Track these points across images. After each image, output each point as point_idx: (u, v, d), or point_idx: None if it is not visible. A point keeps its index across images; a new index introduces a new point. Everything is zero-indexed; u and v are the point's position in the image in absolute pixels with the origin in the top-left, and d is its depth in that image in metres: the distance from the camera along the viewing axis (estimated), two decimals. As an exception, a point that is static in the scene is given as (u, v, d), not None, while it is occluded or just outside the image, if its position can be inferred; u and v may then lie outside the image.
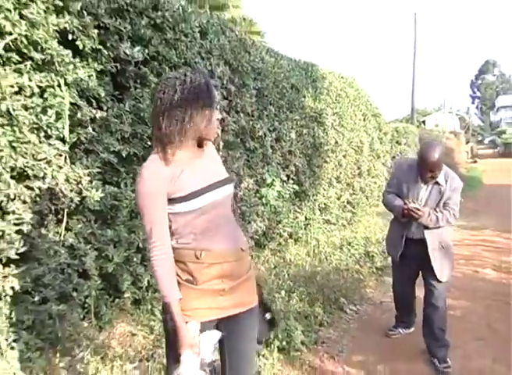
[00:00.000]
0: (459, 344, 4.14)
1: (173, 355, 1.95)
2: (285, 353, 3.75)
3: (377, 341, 4.19)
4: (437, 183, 3.77)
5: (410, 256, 3.96)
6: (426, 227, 3.82)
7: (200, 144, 2.05)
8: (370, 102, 11.25)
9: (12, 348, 2.95)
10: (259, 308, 2.42)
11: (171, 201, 1.94)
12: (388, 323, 4.55)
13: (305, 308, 4.57)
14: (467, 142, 45.62)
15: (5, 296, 2.90)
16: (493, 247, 8.38)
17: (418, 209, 3.70)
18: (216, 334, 2.07)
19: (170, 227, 1.99)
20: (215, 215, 2.02)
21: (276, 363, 3.57)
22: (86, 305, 3.57)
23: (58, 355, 3.27)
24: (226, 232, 2.08)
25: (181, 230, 1.99)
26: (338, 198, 8.75)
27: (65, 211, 3.37)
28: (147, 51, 3.81)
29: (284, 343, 3.77)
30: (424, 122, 52.23)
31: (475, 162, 37.71)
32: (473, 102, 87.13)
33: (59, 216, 3.39)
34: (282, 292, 4.81)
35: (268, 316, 2.41)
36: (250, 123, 5.46)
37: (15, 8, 2.82)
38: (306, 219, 7.41)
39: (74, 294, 3.43)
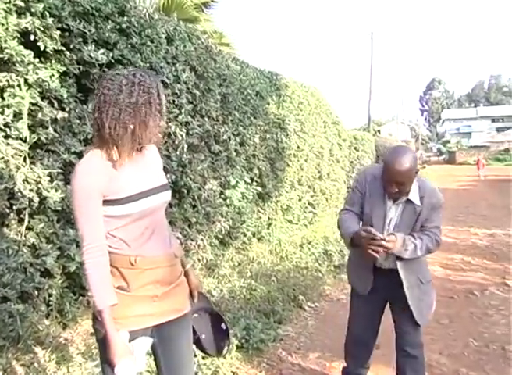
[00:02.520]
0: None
1: (108, 367, 1.72)
2: (244, 351, 3.55)
3: (333, 337, 4.02)
4: (409, 200, 2.60)
5: (377, 290, 2.78)
6: (398, 257, 2.63)
7: (140, 148, 1.83)
8: (330, 111, 11.18)
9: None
10: (210, 317, 2.24)
11: (105, 202, 1.72)
12: (344, 319, 4.38)
13: (265, 305, 4.39)
14: (417, 149, 46.43)
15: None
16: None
17: (384, 240, 2.47)
18: (147, 341, 1.85)
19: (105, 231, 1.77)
20: (151, 221, 1.82)
21: (235, 361, 3.37)
22: (50, 303, 3.34)
23: (19, 353, 3.04)
24: (160, 238, 1.87)
25: (115, 234, 1.77)
26: (300, 200, 8.64)
27: (27, 210, 3.12)
28: (111, 54, 3.58)
29: (243, 341, 3.58)
30: (379, 131, 52.92)
31: (424, 167, 38.39)
32: (422, 115, 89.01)
33: (21, 216, 3.15)
34: (244, 290, 4.62)
35: (223, 325, 2.21)
36: (215, 127, 5.27)
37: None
38: (269, 219, 7.27)
39: (36, 292, 3.19)
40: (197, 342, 2.15)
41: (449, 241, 8.70)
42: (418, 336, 2.81)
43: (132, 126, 1.70)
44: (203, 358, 3.20)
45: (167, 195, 1.89)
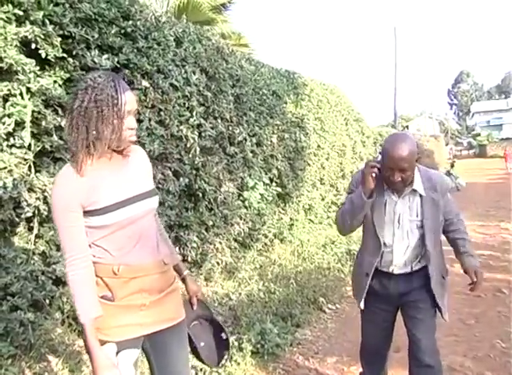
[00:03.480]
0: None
1: None
2: (259, 357, 3.46)
3: (353, 339, 3.89)
4: (414, 191, 2.43)
5: (387, 297, 2.60)
6: (425, 257, 2.52)
7: (120, 153, 1.76)
8: (352, 108, 11.01)
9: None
10: (211, 326, 2.15)
11: (86, 213, 1.66)
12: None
13: (283, 309, 4.29)
14: (447, 144, 45.58)
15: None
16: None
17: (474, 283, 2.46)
18: (133, 353, 1.77)
19: (88, 241, 1.71)
20: (135, 230, 1.75)
21: (249, 367, 3.29)
22: (64, 311, 3.32)
23: (32, 361, 3.02)
24: (147, 245, 1.80)
25: (98, 244, 1.72)
26: (322, 199, 8.50)
27: (36, 219, 3.10)
28: (117, 59, 3.53)
29: (259, 346, 3.49)
30: (407, 126, 52.20)
31: (454, 162, 37.60)
32: (451, 109, 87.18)
33: (31, 224, 3.13)
34: (262, 293, 4.54)
35: (223, 335, 2.12)
36: (230, 128, 5.19)
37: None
38: (291, 219, 7.16)
39: (47, 301, 3.18)
40: (194, 351, 2.07)
41: (478, 237, 8.45)
42: (433, 342, 2.59)
43: (85, 131, 1.63)
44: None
45: (152, 202, 1.82)
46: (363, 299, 2.65)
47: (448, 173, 17.66)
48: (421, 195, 2.43)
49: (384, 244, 2.50)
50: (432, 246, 2.47)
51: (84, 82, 1.66)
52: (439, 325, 4.20)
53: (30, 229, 3.14)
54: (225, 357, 2.12)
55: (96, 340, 1.62)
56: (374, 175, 2.33)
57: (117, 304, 1.72)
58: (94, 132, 1.63)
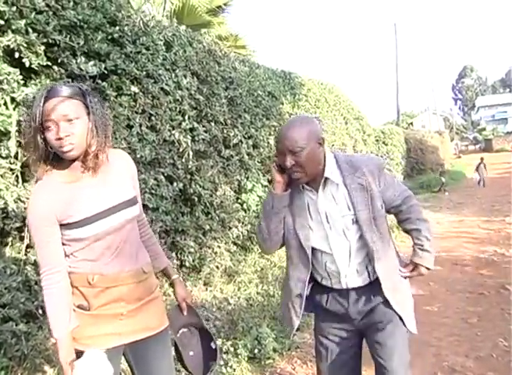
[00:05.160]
0: (432, 342, 3.82)
1: None
2: (256, 362, 3.42)
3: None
4: (327, 179, 1.95)
5: (345, 319, 2.06)
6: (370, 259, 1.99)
7: (84, 163, 1.70)
8: (352, 106, 10.97)
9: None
10: (201, 334, 2.10)
11: (62, 226, 1.64)
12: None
13: (281, 312, 4.23)
14: (452, 140, 45.33)
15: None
16: (473, 238, 8.05)
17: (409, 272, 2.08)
18: (96, 357, 1.65)
19: (65, 252, 1.68)
20: (112, 240, 1.71)
21: (246, 373, 3.25)
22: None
23: (26, 372, 2.99)
24: (125, 254, 1.76)
25: (76, 255, 1.69)
26: (323, 199, 8.43)
27: (27, 228, 3.08)
28: (104, 65, 3.51)
29: (256, 351, 3.44)
30: (411, 123, 51.94)
31: (459, 157, 37.43)
32: (455, 104, 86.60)
33: (22, 234, 3.11)
34: (260, 297, 4.49)
35: (212, 344, 2.07)
36: (224, 131, 5.16)
37: None
38: (291, 221, 7.08)
39: (40, 311, 3.15)
40: (180, 360, 2.03)
41: (482, 232, 8.39)
42: (404, 369, 2.02)
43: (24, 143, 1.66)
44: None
45: (131, 212, 1.77)
46: (295, 327, 2.13)
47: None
48: (346, 185, 1.94)
49: (321, 253, 2.01)
50: (374, 240, 1.95)
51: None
52: (441, 324, 4.21)
53: (22, 239, 3.12)
54: (213, 368, 2.07)
55: (69, 355, 1.60)
56: (276, 166, 1.95)
57: (93, 313, 1.70)
58: (25, 145, 1.65)
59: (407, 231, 2.13)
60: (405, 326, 2.01)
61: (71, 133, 1.59)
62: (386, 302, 1.98)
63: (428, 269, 2.05)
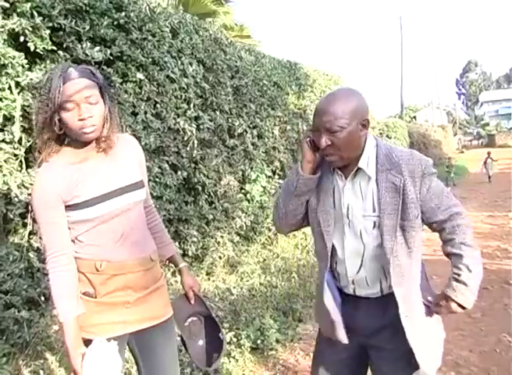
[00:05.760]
0: (436, 336, 3.78)
1: None
2: (259, 353, 3.40)
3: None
4: (359, 169, 1.67)
5: (351, 331, 1.77)
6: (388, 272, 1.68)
7: (98, 145, 1.68)
8: (356, 99, 10.87)
9: (-20, 354, 2.65)
10: (208, 322, 2.07)
11: (68, 207, 1.62)
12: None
13: (284, 303, 4.22)
14: (455, 134, 45.23)
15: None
16: (476, 232, 8.01)
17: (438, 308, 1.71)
18: (108, 346, 1.62)
19: (70, 236, 1.65)
20: (118, 224, 1.69)
21: (248, 364, 3.23)
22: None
23: (28, 359, 2.98)
24: (132, 241, 1.73)
25: (80, 239, 1.67)
26: (327, 191, 8.39)
27: (29, 215, 3.05)
28: (109, 51, 3.46)
29: (259, 341, 3.42)
30: (415, 117, 51.76)
31: (462, 152, 37.30)
32: (459, 98, 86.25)
33: (25, 220, 3.08)
34: (263, 287, 4.47)
35: (220, 335, 2.03)
36: (229, 120, 5.10)
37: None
38: (294, 212, 7.04)
39: (42, 298, 3.13)
40: (186, 349, 2.00)
41: (486, 227, 8.35)
42: None
43: (37, 127, 1.64)
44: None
45: (138, 195, 1.74)
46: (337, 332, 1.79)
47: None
48: (377, 181, 1.65)
49: (333, 247, 1.75)
50: (396, 254, 1.65)
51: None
52: (445, 319, 4.17)
53: (24, 225, 3.09)
54: (219, 358, 2.04)
55: (76, 341, 1.58)
56: (309, 143, 1.70)
57: (99, 301, 1.68)
58: (38, 126, 1.61)
59: (447, 255, 1.72)
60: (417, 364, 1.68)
61: (93, 114, 1.59)
62: (402, 328, 1.67)
63: (462, 307, 1.65)
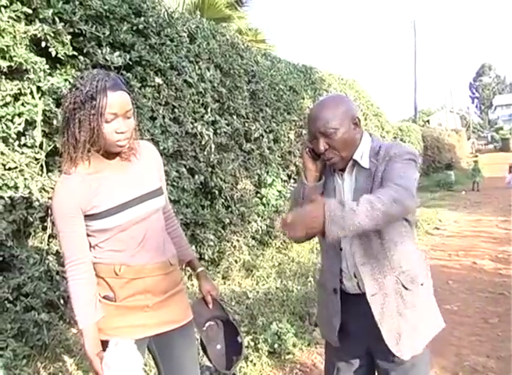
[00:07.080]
0: (453, 341, 3.73)
1: None
2: (276, 357, 3.37)
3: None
4: (356, 163, 1.69)
5: (352, 335, 1.76)
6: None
7: (119, 155, 1.66)
8: (371, 102, 10.85)
9: (0, 355, 2.67)
10: (227, 327, 2.05)
11: (87, 217, 1.61)
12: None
13: (301, 308, 4.18)
14: (469, 138, 44.83)
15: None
16: (492, 237, 7.92)
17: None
18: (127, 347, 1.60)
19: (90, 243, 1.65)
20: (137, 230, 1.67)
21: (265, 368, 3.20)
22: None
23: (47, 361, 3.00)
24: (151, 245, 1.72)
25: (101, 246, 1.66)
26: (341, 195, 8.35)
27: (50, 218, 3.06)
28: (129, 56, 3.47)
29: (276, 346, 3.39)
30: (428, 121, 51.43)
31: (476, 156, 36.89)
32: (472, 102, 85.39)
33: (44, 224, 3.10)
34: (279, 292, 4.45)
35: (239, 338, 2.01)
36: (246, 124, 5.10)
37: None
38: (309, 216, 7.02)
39: (61, 301, 3.14)
40: (206, 353, 1.99)
41: (501, 232, 8.25)
42: None
43: (65, 134, 1.58)
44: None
45: (156, 203, 1.73)
46: (335, 334, 1.77)
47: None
48: (369, 170, 1.66)
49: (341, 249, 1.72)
50: (363, 242, 1.65)
51: (73, 82, 1.60)
52: (461, 324, 4.12)
53: (44, 228, 3.11)
54: (238, 362, 2.02)
55: (95, 346, 1.57)
56: (309, 153, 1.73)
57: (119, 304, 1.67)
58: (70, 135, 1.56)
59: None
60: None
61: (129, 128, 1.59)
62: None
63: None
